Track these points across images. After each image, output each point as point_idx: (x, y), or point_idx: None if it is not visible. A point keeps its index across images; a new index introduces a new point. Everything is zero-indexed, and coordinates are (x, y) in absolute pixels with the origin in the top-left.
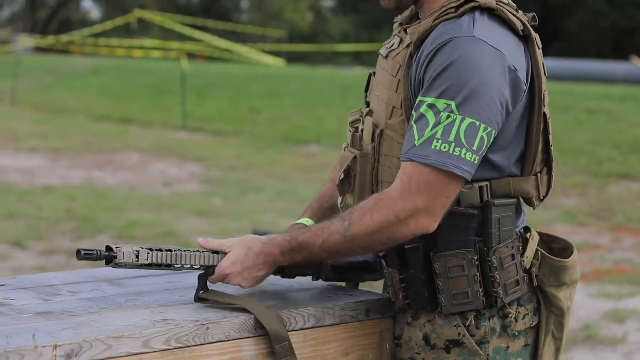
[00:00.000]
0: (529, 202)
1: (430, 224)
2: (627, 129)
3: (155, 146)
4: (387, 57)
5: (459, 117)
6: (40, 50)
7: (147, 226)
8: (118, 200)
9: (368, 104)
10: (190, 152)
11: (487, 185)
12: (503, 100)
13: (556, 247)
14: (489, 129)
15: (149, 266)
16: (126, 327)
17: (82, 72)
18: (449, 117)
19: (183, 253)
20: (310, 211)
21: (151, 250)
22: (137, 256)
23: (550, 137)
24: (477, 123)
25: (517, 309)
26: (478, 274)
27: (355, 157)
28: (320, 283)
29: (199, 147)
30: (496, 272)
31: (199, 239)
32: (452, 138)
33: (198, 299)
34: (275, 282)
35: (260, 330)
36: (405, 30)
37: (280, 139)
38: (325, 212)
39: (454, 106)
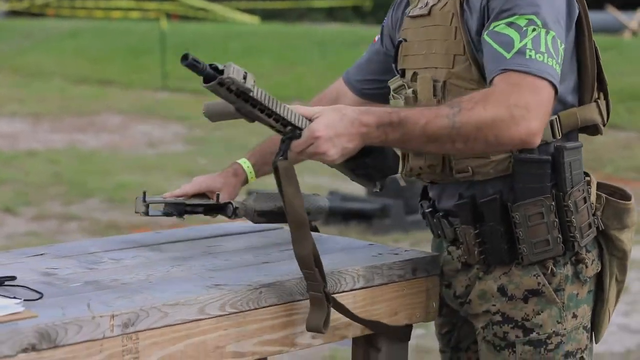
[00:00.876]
0: (595, 128)
1: (537, 131)
2: (611, 79)
3: (136, 107)
4: (429, 13)
5: (543, 30)
6: (14, 13)
7: (136, 188)
8: (103, 163)
9: (402, 72)
10: (172, 112)
11: (556, 118)
12: (564, 20)
13: (611, 191)
14: (562, 45)
15: (246, 100)
16: (180, 293)
17: (58, 34)
18: (534, 30)
19: (280, 103)
20: (253, 151)
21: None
22: (245, 77)
23: (601, 61)
24: (557, 37)
25: (586, 254)
26: (556, 220)
27: None
28: (362, 243)
29: (180, 106)
30: (572, 216)
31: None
32: (543, 48)
33: (275, 165)
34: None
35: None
36: None
37: None
38: (268, 155)
39: (536, 20)
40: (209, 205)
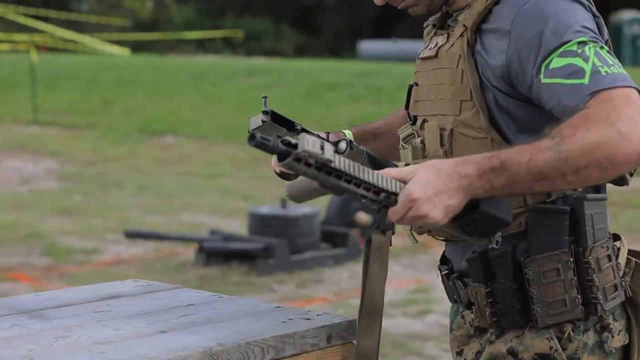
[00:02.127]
0: (621, 180)
1: None
2: None
3: (6, 142)
4: (437, 55)
5: (597, 45)
6: None
7: (9, 227)
8: None
9: (414, 119)
10: (44, 147)
11: None
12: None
13: None
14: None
15: (329, 172)
16: None
17: None
18: (589, 48)
19: (367, 169)
20: (355, 127)
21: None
22: (322, 147)
23: None
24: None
25: (612, 322)
26: (575, 278)
27: None
28: (268, 305)
29: (52, 141)
30: (594, 275)
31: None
32: (610, 61)
33: (369, 238)
34: (218, 306)
35: None
36: (443, 27)
37: (136, 131)
38: (367, 135)
39: (586, 39)
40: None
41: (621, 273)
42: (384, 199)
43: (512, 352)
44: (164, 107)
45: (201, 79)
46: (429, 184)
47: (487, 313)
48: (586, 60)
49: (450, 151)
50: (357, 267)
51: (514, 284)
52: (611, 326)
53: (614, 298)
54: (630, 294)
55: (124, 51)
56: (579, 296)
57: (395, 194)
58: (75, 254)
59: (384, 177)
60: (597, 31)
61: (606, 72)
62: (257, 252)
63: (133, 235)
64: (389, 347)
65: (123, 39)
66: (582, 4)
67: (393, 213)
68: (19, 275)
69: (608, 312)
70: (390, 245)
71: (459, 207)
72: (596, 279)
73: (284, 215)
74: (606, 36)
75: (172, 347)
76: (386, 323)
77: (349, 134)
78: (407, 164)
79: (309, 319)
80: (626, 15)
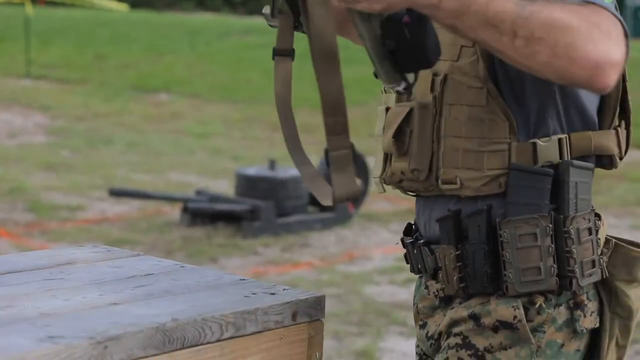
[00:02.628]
0: (610, 160)
1: (617, 63)
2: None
3: None
4: None
5: None
6: None
7: None
8: None
9: None
10: (35, 100)
11: (566, 137)
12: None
13: (625, 240)
14: None
15: None
16: (2, 350)
17: None
18: None
19: None
20: None
21: None
22: None
23: (627, 84)
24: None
25: (587, 301)
26: (552, 246)
27: (410, 110)
28: (232, 277)
29: (43, 95)
30: (572, 246)
31: None
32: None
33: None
34: (179, 277)
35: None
36: None
37: (128, 87)
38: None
39: None
40: None
41: (600, 251)
42: None
43: (473, 316)
44: (157, 64)
45: (196, 36)
46: None
47: (455, 278)
48: None
49: (441, 98)
50: (345, 232)
51: (486, 245)
52: (585, 304)
53: (591, 275)
54: (607, 275)
55: (123, 6)
56: (554, 266)
57: None
58: (58, 211)
59: None
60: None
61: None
62: (242, 213)
63: (118, 194)
64: (373, 316)
65: None
66: None
67: None
68: (1, 231)
69: (583, 290)
70: None
71: (396, 4)
72: (575, 250)
73: (271, 177)
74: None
75: (122, 322)
76: (371, 290)
77: None
78: (387, 108)
79: (273, 294)
80: None
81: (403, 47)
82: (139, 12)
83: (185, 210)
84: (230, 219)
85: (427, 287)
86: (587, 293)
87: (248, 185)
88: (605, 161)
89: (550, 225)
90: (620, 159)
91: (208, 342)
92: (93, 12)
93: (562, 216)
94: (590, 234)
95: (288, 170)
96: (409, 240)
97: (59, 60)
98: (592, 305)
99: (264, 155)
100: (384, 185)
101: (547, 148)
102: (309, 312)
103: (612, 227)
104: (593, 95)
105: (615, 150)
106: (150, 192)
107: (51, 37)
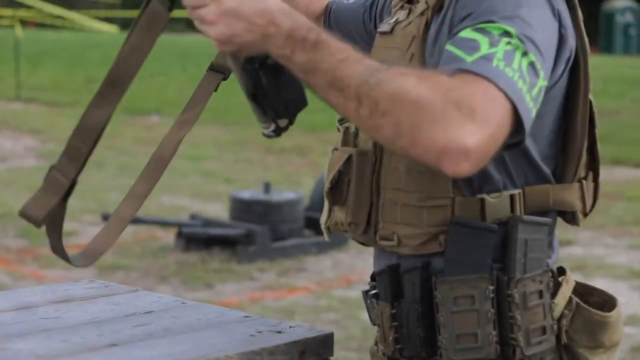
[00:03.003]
0: (572, 217)
1: (472, 150)
2: None
3: None
4: (392, 31)
5: (521, 49)
6: None
7: None
8: None
9: None
10: (25, 124)
11: (519, 193)
12: (551, 54)
13: (593, 301)
14: (543, 83)
15: None
16: None
17: None
18: (508, 43)
19: None
20: None
21: None
22: None
23: (597, 131)
24: (538, 66)
25: None
26: (492, 311)
27: (349, 157)
28: (235, 314)
29: (33, 118)
30: (516, 312)
31: None
32: (515, 66)
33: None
34: (179, 315)
35: None
36: (411, 0)
37: (119, 110)
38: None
39: (512, 33)
40: None
41: (556, 314)
42: None
43: None
44: (148, 86)
45: (187, 58)
46: (241, 4)
47: (391, 338)
48: (492, 45)
49: (381, 146)
50: (342, 256)
51: (420, 306)
52: None
53: (540, 343)
54: (566, 341)
55: (112, 28)
56: (494, 333)
57: None
58: None
59: None
60: (550, 44)
61: (497, 66)
62: (237, 238)
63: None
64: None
65: (112, 15)
66: (552, 7)
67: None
68: None
69: (533, 358)
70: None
71: (246, 47)
72: (518, 316)
73: (266, 201)
74: (568, 52)
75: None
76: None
77: None
78: (334, 149)
79: (280, 332)
80: (618, 3)
81: (260, 92)
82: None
83: (179, 235)
84: (225, 243)
85: (376, 344)
86: (542, 359)
87: (243, 208)
88: (568, 216)
89: (490, 288)
90: (585, 215)
91: None
92: (83, 34)
93: (506, 278)
94: (542, 297)
95: (283, 193)
96: (365, 288)
97: (49, 83)
98: None
99: (257, 178)
100: (329, 233)
101: (497, 204)
102: (317, 351)
103: (610, 247)
104: (547, 146)
105: (577, 206)
106: (144, 217)
107: (41, 59)
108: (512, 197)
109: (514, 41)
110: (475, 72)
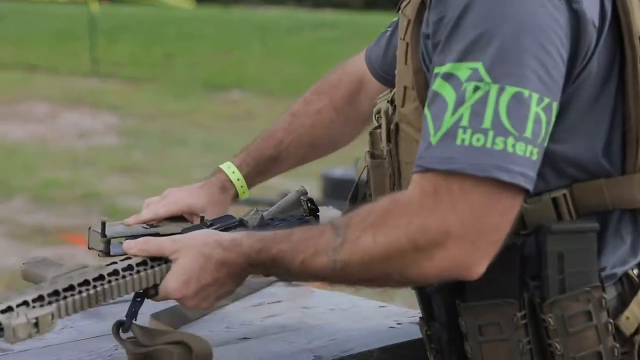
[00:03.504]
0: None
1: (472, 261)
2: None
3: (64, 95)
4: (398, 10)
5: (494, 87)
6: None
7: (65, 186)
8: (29, 157)
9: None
10: (103, 100)
11: (565, 194)
12: (560, 50)
13: None
14: (546, 100)
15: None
16: None
17: None
18: (476, 89)
19: (107, 287)
20: (244, 155)
21: (56, 295)
22: (37, 325)
23: None
24: (526, 92)
25: None
26: (525, 340)
27: (368, 170)
28: (368, 304)
29: (111, 94)
30: (555, 339)
31: (124, 243)
32: (487, 123)
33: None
34: (309, 304)
35: None
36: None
37: (199, 85)
38: (265, 162)
39: (482, 70)
40: None
41: (631, 332)
42: (141, 295)
43: None
44: (227, 61)
45: (265, 32)
46: (192, 280)
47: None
48: (457, 106)
49: (396, 153)
50: None
51: (448, 332)
52: None
53: None
54: None
55: (188, 3)
56: None
57: (155, 286)
58: None
59: (136, 279)
60: (554, 39)
61: (463, 141)
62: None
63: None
64: None
65: None
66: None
67: (156, 300)
68: (77, 238)
69: None
70: None
71: (234, 290)
72: (558, 344)
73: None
74: (593, 30)
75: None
76: None
77: (233, 173)
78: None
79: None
80: None
81: None
82: (205, 8)
83: None
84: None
85: None
86: None
87: (335, 187)
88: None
89: (519, 314)
90: None
91: None
92: (158, 10)
93: (538, 300)
94: (592, 319)
95: None
96: None
97: (126, 59)
98: None
99: (347, 154)
100: None
101: (538, 210)
102: None
103: None
104: (591, 135)
105: None
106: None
107: (117, 35)
108: (555, 200)
109: (484, 82)
110: (435, 169)
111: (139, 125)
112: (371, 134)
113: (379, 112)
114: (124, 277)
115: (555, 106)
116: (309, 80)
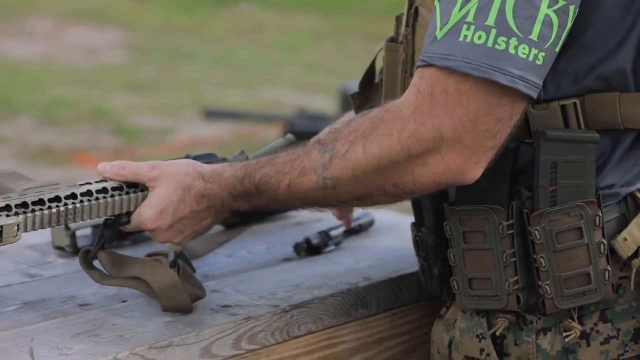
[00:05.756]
0: None
1: (467, 167)
2: None
3: (68, 10)
4: None
5: None
6: None
7: (72, 104)
8: (34, 75)
9: None
10: (109, 13)
11: (575, 103)
12: None
13: None
14: (561, 2)
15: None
16: (170, 325)
17: None
18: None
19: (78, 206)
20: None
21: (24, 207)
22: (0, 233)
23: None
24: None
25: (594, 324)
26: (510, 251)
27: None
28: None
29: (118, 8)
30: (541, 254)
31: (99, 165)
32: (491, 20)
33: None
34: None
35: None
36: None
37: None
38: None
39: None
40: None
41: (628, 254)
42: (112, 220)
43: (450, 345)
44: None
45: None
46: (168, 210)
47: (419, 265)
48: (465, 1)
49: (412, 36)
50: None
51: (435, 237)
52: (572, 331)
53: (583, 294)
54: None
55: None
56: (512, 279)
57: (128, 213)
58: (147, 134)
59: (109, 203)
60: None
61: (465, 37)
62: None
63: (214, 114)
64: None
65: None
66: None
67: (126, 230)
68: (86, 157)
69: (583, 313)
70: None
71: (212, 226)
72: (543, 260)
73: None
74: None
75: (303, 285)
76: None
77: None
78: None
79: None
80: None
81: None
82: None
83: (288, 131)
84: None
85: None
86: (605, 310)
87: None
88: None
89: (504, 224)
90: None
91: (405, 305)
92: None
93: (526, 211)
94: (583, 236)
95: None
96: None
97: None
98: (609, 329)
99: (360, 67)
100: None
101: (544, 117)
102: None
103: None
104: (611, 43)
105: None
106: (252, 112)
107: None
108: (564, 108)
109: None
110: (436, 65)
111: (146, 40)
112: (397, 18)
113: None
114: (97, 199)
115: (572, 9)
116: None
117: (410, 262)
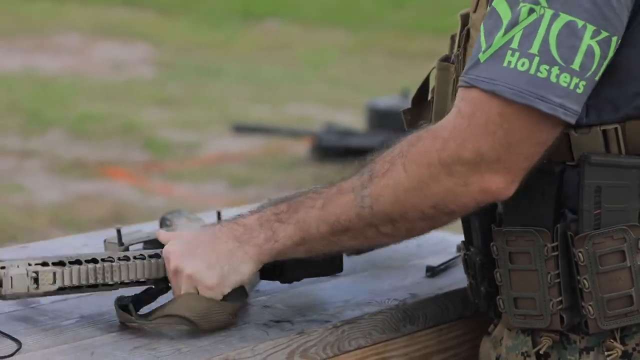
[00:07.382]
0: None
1: (504, 185)
2: None
3: (95, 25)
4: None
5: (549, 12)
6: None
7: (102, 118)
8: (63, 89)
9: None
10: (136, 30)
11: (616, 128)
12: None
13: None
14: (604, 34)
15: (61, 290)
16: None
17: None
18: (531, 11)
19: (115, 264)
20: None
21: (61, 264)
22: (36, 280)
23: None
24: (580, 23)
25: (637, 344)
26: (554, 272)
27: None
28: (454, 239)
29: (145, 24)
30: (585, 275)
31: (157, 232)
32: (535, 48)
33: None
34: None
35: None
36: None
37: (234, 13)
38: None
39: None
40: None
41: None
42: (153, 286)
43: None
44: None
45: None
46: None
47: (467, 283)
48: (510, 26)
49: (463, 57)
50: None
51: (482, 257)
52: (613, 351)
53: (625, 315)
54: None
55: None
56: (556, 299)
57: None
58: (175, 149)
59: (149, 264)
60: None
61: (509, 63)
62: (376, 148)
63: (243, 129)
64: None
65: None
66: None
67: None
68: (116, 171)
69: (625, 334)
70: None
71: (250, 275)
72: (587, 282)
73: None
74: None
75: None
76: None
77: None
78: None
79: None
80: None
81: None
82: None
83: (316, 146)
84: (362, 154)
85: None
86: (628, 333)
87: (380, 117)
88: None
89: (549, 245)
90: None
91: (450, 321)
92: None
93: (570, 234)
94: (625, 259)
95: None
96: None
97: None
98: None
99: (385, 84)
100: None
101: (586, 141)
102: None
103: None
104: None
105: None
106: (281, 127)
107: None
108: (605, 133)
109: (539, 6)
110: (479, 88)
111: (174, 56)
112: (452, 37)
113: (463, 15)
114: (140, 256)
115: (615, 40)
116: (347, 9)
117: (456, 279)
